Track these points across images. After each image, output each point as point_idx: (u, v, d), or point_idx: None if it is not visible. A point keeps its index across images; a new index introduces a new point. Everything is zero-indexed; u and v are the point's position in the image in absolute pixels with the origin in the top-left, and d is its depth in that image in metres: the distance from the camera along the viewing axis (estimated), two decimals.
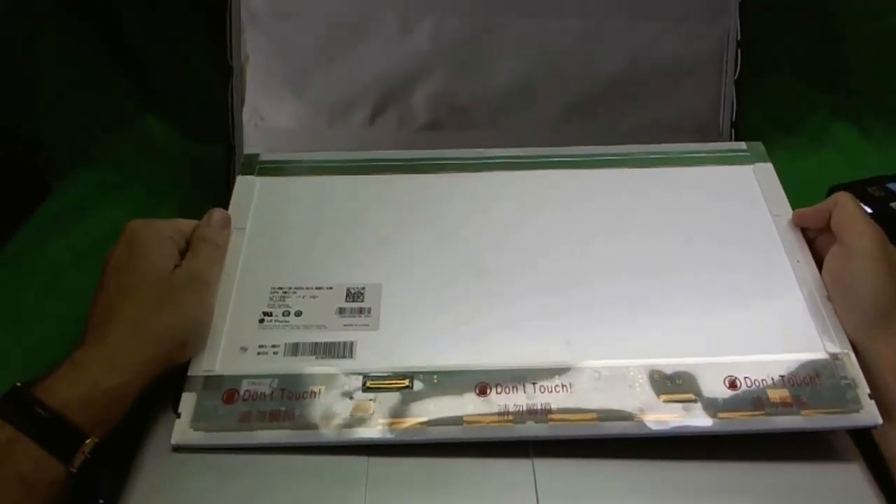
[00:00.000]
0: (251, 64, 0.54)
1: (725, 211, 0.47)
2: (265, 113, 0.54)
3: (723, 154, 0.51)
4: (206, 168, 0.58)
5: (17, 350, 0.47)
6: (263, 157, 0.51)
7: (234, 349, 0.40)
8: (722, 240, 0.45)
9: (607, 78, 0.53)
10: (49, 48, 0.60)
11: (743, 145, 0.52)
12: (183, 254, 0.41)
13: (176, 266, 0.40)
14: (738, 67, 0.55)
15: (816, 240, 0.45)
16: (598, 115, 0.55)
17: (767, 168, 0.50)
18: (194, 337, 0.39)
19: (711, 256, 0.44)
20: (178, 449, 0.36)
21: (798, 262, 0.44)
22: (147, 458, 0.37)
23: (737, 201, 0.48)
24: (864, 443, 0.38)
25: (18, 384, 0.33)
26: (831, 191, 0.61)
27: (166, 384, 0.38)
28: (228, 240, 0.44)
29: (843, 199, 0.43)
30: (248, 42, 0.54)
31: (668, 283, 0.43)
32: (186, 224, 0.43)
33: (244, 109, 0.54)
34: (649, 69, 0.55)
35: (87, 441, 0.33)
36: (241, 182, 0.49)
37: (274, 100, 0.54)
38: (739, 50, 0.55)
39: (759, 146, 0.51)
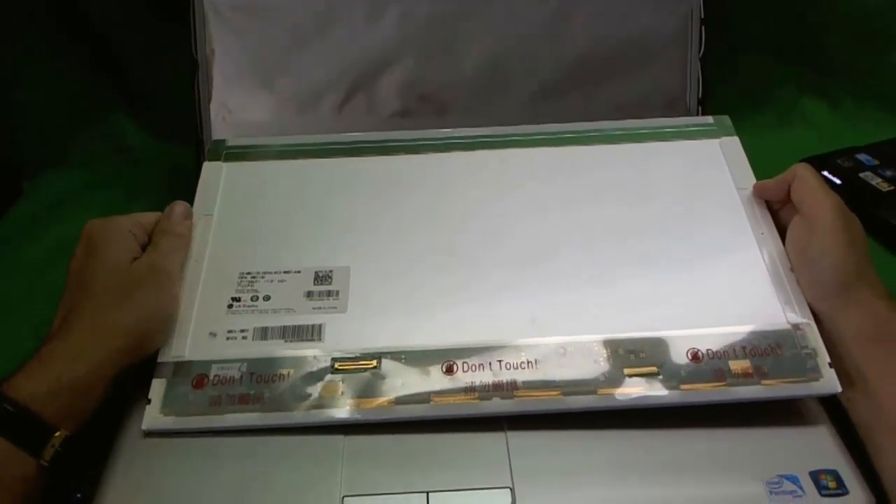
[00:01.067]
0: (217, 58, 0.53)
1: (691, 185, 0.47)
2: (233, 106, 0.54)
3: (690, 128, 0.51)
4: (180, 167, 0.58)
5: None
6: (230, 143, 0.51)
7: (203, 335, 0.40)
8: (687, 214, 0.46)
9: (577, 58, 0.53)
10: (21, 50, 0.60)
11: (710, 119, 0.52)
12: (146, 246, 0.42)
13: (137, 259, 0.40)
14: (703, 44, 0.55)
15: (780, 211, 0.45)
16: (569, 95, 0.55)
17: (734, 142, 0.50)
18: (158, 328, 0.39)
19: (676, 230, 0.45)
20: (149, 434, 0.37)
21: (762, 234, 0.44)
22: (123, 445, 0.37)
23: (703, 175, 0.48)
24: (834, 406, 0.39)
25: None
26: None
27: (142, 374, 0.38)
28: (191, 230, 0.44)
29: (802, 170, 0.43)
30: (212, 36, 0.53)
31: (633, 258, 0.43)
32: (147, 217, 0.43)
33: (211, 104, 0.53)
34: (618, 48, 0.55)
35: (57, 434, 0.33)
36: (208, 168, 0.49)
37: (241, 93, 0.54)
38: (703, 27, 0.55)
39: (726, 120, 0.52)
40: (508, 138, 0.51)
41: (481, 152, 0.50)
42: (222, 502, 0.35)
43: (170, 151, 0.64)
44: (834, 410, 0.39)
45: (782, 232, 0.44)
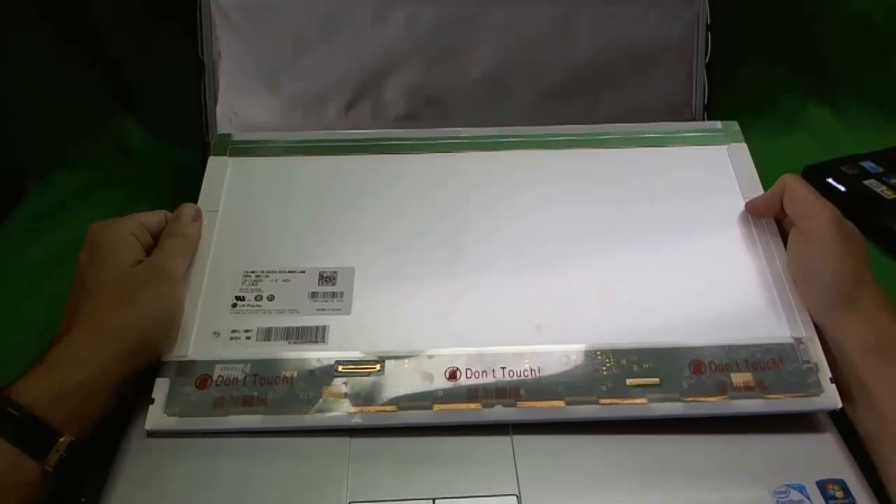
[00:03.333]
0: (223, 60, 0.53)
1: (698, 192, 0.47)
2: (239, 109, 0.53)
3: (697, 134, 0.51)
4: (184, 170, 0.57)
5: None
6: (235, 138, 0.50)
7: (206, 334, 0.40)
8: (694, 222, 0.46)
9: (582, 64, 0.52)
10: (23, 52, 0.60)
11: (718, 125, 0.52)
12: (151, 247, 0.41)
13: (141, 261, 0.40)
14: (709, 51, 0.55)
15: (785, 220, 0.45)
16: (574, 101, 0.55)
17: (741, 148, 0.50)
18: (161, 331, 0.39)
19: (683, 239, 0.45)
20: (152, 434, 0.37)
21: (767, 244, 0.44)
22: (128, 445, 0.37)
23: (710, 182, 0.48)
24: (841, 415, 0.39)
25: None
26: (806, 171, 0.61)
27: (147, 373, 0.38)
28: (199, 232, 0.44)
29: (791, 182, 0.43)
30: (219, 38, 0.53)
31: (639, 267, 0.43)
32: (149, 217, 0.43)
33: (218, 106, 0.53)
34: (623, 53, 0.55)
35: (62, 439, 0.33)
36: (213, 163, 0.49)
37: (247, 95, 0.53)
38: (709, 33, 0.55)
39: (734, 126, 0.51)
40: (516, 139, 0.51)
41: (489, 153, 0.50)
42: (228, 501, 0.35)
43: (172, 153, 0.64)
44: (841, 420, 0.39)
45: (786, 241, 0.44)
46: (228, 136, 0.51)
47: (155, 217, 0.43)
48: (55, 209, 0.60)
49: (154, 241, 0.42)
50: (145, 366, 0.38)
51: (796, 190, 0.42)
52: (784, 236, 0.44)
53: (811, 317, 0.41)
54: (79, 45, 0.61)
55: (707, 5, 0.55)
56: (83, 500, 0.35)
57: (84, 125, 0.64)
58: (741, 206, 0.46)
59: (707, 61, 0.55)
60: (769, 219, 0.45)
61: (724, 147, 0.50)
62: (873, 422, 0.37)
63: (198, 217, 0.44)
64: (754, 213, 0.46)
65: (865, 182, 0.60)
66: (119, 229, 0.40)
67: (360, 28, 0.53)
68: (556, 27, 0.54)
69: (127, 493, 0.35)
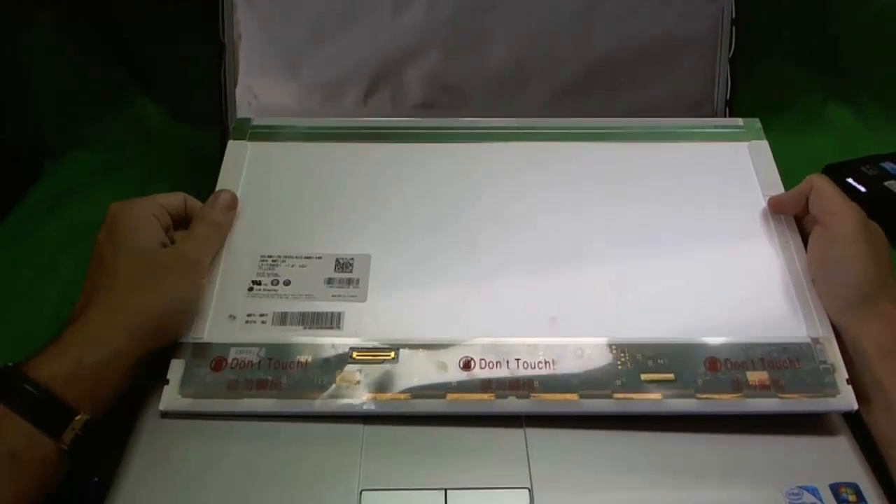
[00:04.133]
0: (244, 43, 0.53)
1: (718, 189, 0.47)
2: (258, 92, 0.53)
3: (718, 130, 0.51)
4: (201, 151, 0.57)
5: (10, 332, 0.47)
6: (255, 122, 0.50)
7: (222, 317, 0.40)
8: (712, 219, 0.45)
9: (602, 56, 0.52)
10: (43, 31, 0.60)
11: (739, 122, 0.51)
12: (169, 229, 0.42)
13: (164, 243, 0.40)
14: (733, 46, 0.54)
15: (805, 219, 0.45)
16: (593, 93, 0.55)
17: (763, 146, 0.49)
18: (178, 316, 0.39)
19: (701, 235, 0.45)
20: (166, 415, 0.37)
21: (787, 242, 0.44)
22: (143, 425, 0.37)
23: (730, 179, 0.48)
24: (856, 418, 0.39)
25: (9, 364, 0.34)
26: (826, 170, 0.61)
27: (163, 355, 0.38)
28: (231, 221, 0.44)
29: (819, 181, 0.43)
30: (240, 21, 0.53)
31: (656, 262, 0.43)
32: (169, 198, 0.43)
33: (237, 89, 0.53)
34: (644, 47, 0.54)
35: (77, 417, 0.33)
36: (233, 147, 0.49)
37: (267, 79, 0.53)
38: (734, 28, 0.54)
39: (756, 123, 0.51)
40: (535, 131, 0.50)
41: (508, 144, 0.50)
42: (241, 487, 0.35)
43: (190, 134, 0.64)
44: (855, 423, 0.39)
45: (805, 240, 0.44)
46: (248, 120, 0.51)
47: (174, 199, 0.43)
48: (72, 189, 0.60)
49: (173, 224, 0.42)
50: (161, 347, 0.38)
51: (824, 189, 0.42)
52: (804, 236, 0.44)
53: (829, 317, 0.40)
54: (99, 26, 0.61)
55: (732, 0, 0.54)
56: (96, 479, 0.35)
57: (102, 105, 0.64)
58: (761, 204, 0.46)
59: (731, 56, 0.54)
60: (789, 217, 0.45)
61: (746, 144, 0.50)
62: (889, 425, 0.37)
63: (234, 206, 0.44)
64: (777, 208, 0.45)
65: (886, 183, 0.59)
66: (140, 210, 0.41)
67: (380, 15, 0.53)
68: (576, 19, 0.54)
69: (140, 473, 0.35)
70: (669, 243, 0.44)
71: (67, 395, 0.33)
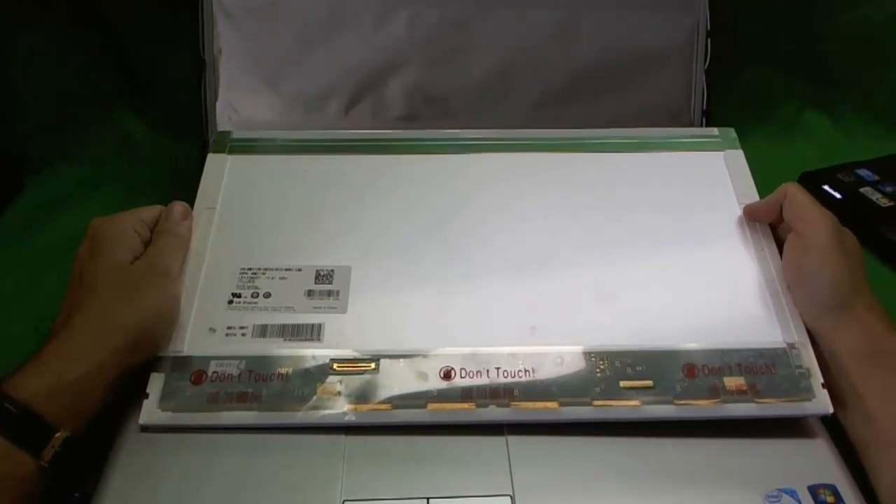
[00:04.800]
0: (224, 57, 0.53)
1: (694, 198, 0.48)
2: (239, 106, 0.54)
3: (694, 140, 0.52)
4: (184, 165, 0.57)
5: None
6: (235, 136, 0.51)
7: (202, 330, 0.40)
8: (688, 227, 0.46)
9: (583, 67, 0.53)
10: (28, 42, 0.60)
11: (715, 131, 0.52)
12: (149, 243, 0.42)
13: (138, 258, 0.40)
14: (708, 56, 0.55)
15: (780, 226, 0.45)
16: (574, 104, 0.55)
17: (738, 155, 0.50)
18: (159, 328, 0.39)
19: (677, 244, 0.45)
20: (146, 429, 0.37)
21: (762, 250, 0.44)
22: (123, 440, 0.37)
23: (705, 188, 0.48)
24: (833, 421, 0.39)
25: None
26: (802, 178, 0.62)
27: (143, 369, 0.38)
28: (190, 230, 0.44)
29: (792, 190, 0.43)
30: (220, 35, 0.53)
31: (633, 271, 0.44)
32: (149, 212, 0.43)
33: (218, 103, 0.53)
34: (624, 58, 0.55)
35: (57, 434, 0.33)
36: (212, 160, 0.49)
37: (247, 93, 0.54)
38: (709, 39, 0.55)
39: (731, 132, 0.52)
40: (513, 142, 0.51)
41: (486, 155, 0.50)
42: (223, 500, 0.35)
43: (173, 148, 0.64)
44: (832, 426, 0.39)
45: (780, 247, 0.44)
46: (228, 133, 0.51)
47: (154, 212, 0.43)
48: (54, 202, 0.60)
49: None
50: (143, 362, 0.38)
51: (797, 197, 0.43)
52: (779, 243, 0.45)
53: (805, 322, 0.41)
54: (84, 38, 0.61)
55: (707, 11, 0.55)
56: (76, 494, 0.35)
57: (86, 118, 0.64)
58: (737, 212, 0.47)
59: (706, 67, 0.55)
60: (764, 225, 0.46)
61: (721, 154, 0.50)
62: (865, 428, 0.37)
63: (187, 215, 0.44)
64: (752, 217, 0.46)
65: (861, 190, 0.60)
66: (121, 225, 0.41)
67: (362, 28, 0.53)
68: (557, 30, 0.54)
69: (120, 489, 0.35)
70: (647, 251, 0.45)
71: (48, 411, 0.33)
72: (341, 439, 0.37)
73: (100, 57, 0.63)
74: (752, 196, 0.47)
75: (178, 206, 0.44)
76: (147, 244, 0.41)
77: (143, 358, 0.38)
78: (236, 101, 0.54)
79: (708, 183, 0.48)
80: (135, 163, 0.64)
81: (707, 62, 0.55)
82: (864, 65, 0.66)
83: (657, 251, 0.45)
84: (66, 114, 0.63)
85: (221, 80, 0.53)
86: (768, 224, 0.46)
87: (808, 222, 0.42)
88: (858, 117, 0.68)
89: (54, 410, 0.33)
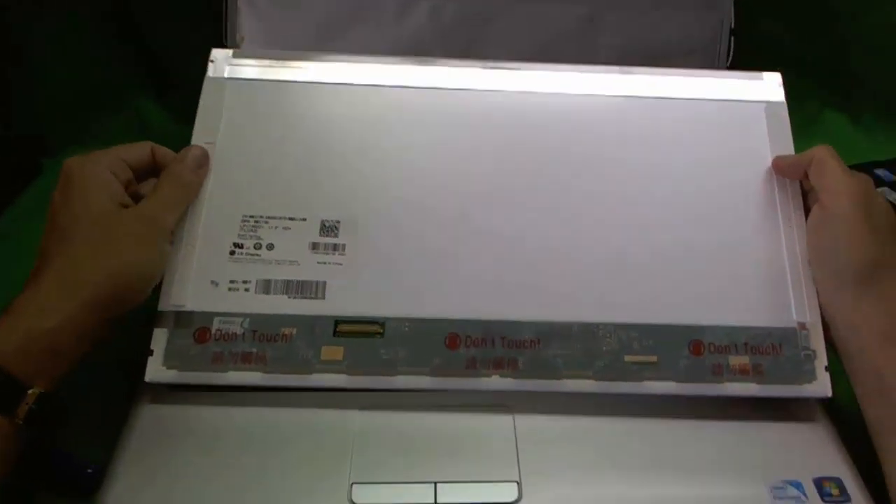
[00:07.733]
0: (245, 46, 0.53)
1: (726, 157, 0.44)
2: None
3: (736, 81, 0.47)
4: None
5: None
6: (235, 54, 0.46)
7: (204, 282, 0.39)
8: (716, 190, 0.43)
9: (604, 63, 0.48)
10: (51, 27, 0.58)
11: (761, 76, 0.47)
12: (131, 184, 0.39)
13: (124, 203, 0.37)
14: (731, 54, 0.56)
15: (810, 194, 0.43)
16: None
17: (780, 107, 0.46)
18: (139, 283, 0.36)
19: (701, 210, 0.43)
20: (152, 386, 0.37)
21: (789, 218, 0.42)
22: (137, 414, 0.37)
23: (741, 146, 0.45)
24: (840, 413, 0.39)
25: None
26: None
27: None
28: (201, 182, 0.41)
29: (820, 154, 0.40)
30: (243, 25, 0.53)
31: (650, 240, 0.42)
32: (133, 151, 0.39)
33: None
34: (646, 56, 0.54)
35: (31, 391, 0.32)
36: (210, 84, 0.44)
37: None
38: (732, 37, 0.56)
39: (777, 78, 0.47)
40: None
41: (511, 92, 0.45)
42: (232, 477, 0.35)
43: (191, 135, 0.60)
44: (838, 417, 0.39)
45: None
46: (228, 52, 0.46)
47: (138, 150, 0.40)
48: None
49: (135, 177, 0.39)
50: (121, 314, 0.36)
51: (826, 163, 0.40)
52: (808, 212, 0.42)
53: (822, 296, 0.40)
54: (106, 24, 0.60)
55: (732, 10, 0.55)
56: (89, 470, 0.35)
57: (105, 104, 0.62)
58: (770, 177, 0.43)
59: (728, 65, 0.56)
60: (797, 192, 0.43)
61: (762, 104, 0.46)
62: (883, 409, 0.36)
63: (205, 163, 0.41)
64: (778, 170, 0.43)
65: (879, 190, 0.57)
66: (96, 166, 0.37)
67: (383, 22, 0.54)
68: (579, 27, 0.54)
69: (134, 462, 0.35)
70: (666, 218, 0.42)
71: (19, 368, 0.32)
72: (350, 421, 0.37)
73: (120, 44, 0.61)
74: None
75: (196, 150, 0.41)
76: (128, 185, 0.38)
77: (121, 311, 0.36)
78: None
79: (744, 140, 0.45)
80: None
81: (729, 60, 0.56)
82: (883, 64, 0.64)
83: (678, 219, 0.42)
84: (84, 99, 0.61)
85: None
86: (801, 191, 0.43)
87: (831, 192, 0.39)
88: (877, 117, 0.66)
89: (26, 367, 0.32)
